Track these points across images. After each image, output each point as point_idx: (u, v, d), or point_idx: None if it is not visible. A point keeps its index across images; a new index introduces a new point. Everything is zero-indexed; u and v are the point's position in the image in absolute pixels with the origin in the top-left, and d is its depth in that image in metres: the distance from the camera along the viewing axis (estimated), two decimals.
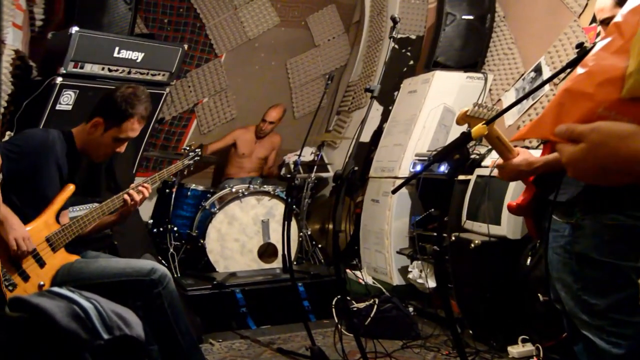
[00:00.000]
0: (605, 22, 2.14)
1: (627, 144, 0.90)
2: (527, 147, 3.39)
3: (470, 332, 3.79)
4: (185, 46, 4.77)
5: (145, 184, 2.91)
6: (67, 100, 4.09)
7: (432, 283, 4.26)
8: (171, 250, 4.95)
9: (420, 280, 4.39)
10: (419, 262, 4.46)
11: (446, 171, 4.28)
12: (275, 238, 5.04)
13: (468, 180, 3.97)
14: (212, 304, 4.08)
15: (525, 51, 4.79)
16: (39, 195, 2.72)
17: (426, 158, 4.62)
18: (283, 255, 3.80)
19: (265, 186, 5.31)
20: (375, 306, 3.99)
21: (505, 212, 3.54)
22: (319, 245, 5.53)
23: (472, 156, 4.14)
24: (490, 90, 5.05)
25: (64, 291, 1.93)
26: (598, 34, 4.00)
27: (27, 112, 3.98)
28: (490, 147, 4.09)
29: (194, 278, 4.37)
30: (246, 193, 5.07)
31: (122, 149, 2.88)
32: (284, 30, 6.50)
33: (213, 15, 6.06)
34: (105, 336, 1.75)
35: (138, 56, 4.37)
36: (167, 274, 2.75)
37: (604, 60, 1.01)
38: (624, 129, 0.91)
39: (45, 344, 1.70)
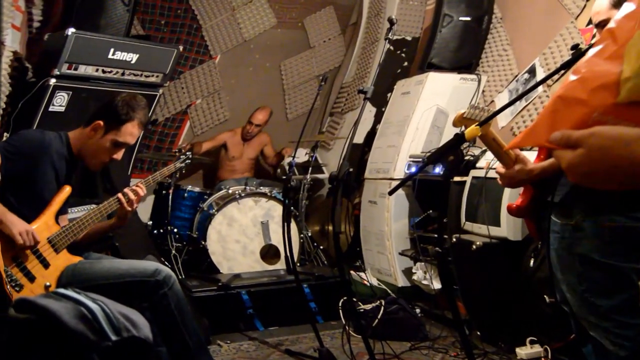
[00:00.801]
0: (601, 25, 2.15)
1: (631, 149, 0.90)
2: (521, 149, 3.40)
3: (478, 333, 3.77)
4: (181, 47, 4.77)
5: (139, 185, 2.92)
6: (60, 102, 4.08)
7: (437, 284, 4.25)
8: (173, 251, 4.94)
9: (425, 282, 4.38)
10: (422, 263, 4.46)
11: (441, 173, 4.28)
12: (276, 239, 5.03)
13: (464, 182, 3.97)
14: (218, 306, 4.08)
15: (520, 52, 4.81)
16: (36, 195, 2.72)
17: (420, 159, 4.63)
18: (286, 256, 3.80)
19: (261, 187, 5.32)
20: (382, 308, 3.99)
21: (504, 213, 3.54)
22: (321, 247, 5.53)
23: (467, 158, 4.15)
24: (483, 91, 5.06)
25: (70, 292, 1.93)
26: (594, 36, 4.02)
27: (22, 113, 3.98)
28: (484, 148, 4.11)
29: (199, 279, 4.36)
30: (243, 194, 5.08)
31: (119, 155, 2.89)
32: (280, 32, 6.50)
33: (210, 17, 6.06)
34: (113, 337, 1.74)
35: (132, 57, 4.36)
36: (171, 275, 2.76)
37: (597, 66, 1.01)
38: (628, 133, 0.91)
39: (52, 345, 1.70)
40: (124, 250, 3.79)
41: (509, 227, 3.56)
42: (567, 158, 0.96)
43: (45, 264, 2.65)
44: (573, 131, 0.96)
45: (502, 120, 4.64)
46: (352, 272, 4.95)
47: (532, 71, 4.58)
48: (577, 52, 2.20)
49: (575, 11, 4.26)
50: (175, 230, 5.20)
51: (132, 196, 2.86)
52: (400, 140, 4.94)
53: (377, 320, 3.92)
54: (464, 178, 4.00)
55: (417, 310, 4.31)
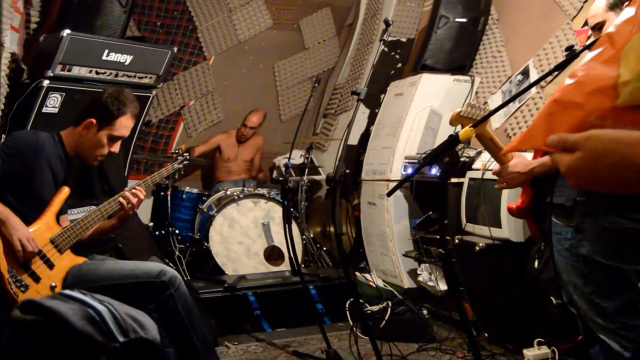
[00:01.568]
0: (597, 27, 2.16)
1: (633, 151, 0.89)
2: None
3: (486, 335, 3.78)
4: (175, 49, 4.76)
5: (138, 187, 2.92)
6: (53, 103, 4.06)
7: (443, 286, 4.26)
8: (177, 253, 4.94)
9: (430, 283, 4.39)
10: (427, 264, 4.47)
11: (437, 174, 4.29)
12: (279, 241, 5.02)
13: (461, 183, 3.99)
14: (225, 307, 4.09)
15: (514, 54, 4.82)
16: (35, 196, 2.72)
17: (416, 161, 4.64)
18: (290, 258, 3.81)
19: (259, 189, 5.33)
20: (389, 309, 4.00)
21: (504, 215, 3.56)
22: (324, 248, 5.54)
23: (462, 159, 4.16)
24: (477, 92, 5.07)
25: (76, 294, 1.92)
26: (589, 38, 4.03)
27: (17, 115, 3.97)
28: (479, 149, 4.12)
29: (204, 281, 4.37)
30: (241, 196, 5.08)
31: (116, 148, 2.88)
32: (276, 33, 6.50)
33: (207, 18, 6.04)
34: (121, 339, 1.74)
35: (127, 59, 4.36)
36: (177, 276, 2.76)
37: (593, 70, 1.01)
38: (629, 135, 0.91)
39: (60, 347, 1.70)
40: (127, 252, 3.79)
41: (510, 228, 3.57)
42: (565, 162, 0.96)
43: (50, 265, 2.65)
44: (570, 134, 0.96)
45: (495, 121, 4.66)
46: (357, 273, 4.96)
47: (525, 72, 4.60)
48: (572, 54, 2.20)
49: (572, 12, 4.27)
50: (177, 231, 5.20)
51: (132, 199, 2.86)
52: (395, 142, 4.95)
53: (384, 322, 3.93)
54: (461, 179, 4.02)
55: (424, 312, 4.32)
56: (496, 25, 5.05)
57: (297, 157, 6.17)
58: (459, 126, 2.20)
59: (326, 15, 6.71)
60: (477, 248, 3.65)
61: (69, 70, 4.08)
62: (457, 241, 3.82)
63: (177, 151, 3.75)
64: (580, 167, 0.94)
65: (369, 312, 4.02)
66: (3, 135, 3.90)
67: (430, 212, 4.46)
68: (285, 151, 6.36)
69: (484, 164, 3.75)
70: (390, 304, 4.06)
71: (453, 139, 2.03)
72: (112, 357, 1.70)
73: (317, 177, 6.31)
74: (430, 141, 4.95)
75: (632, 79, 0.94)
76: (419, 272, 4.57)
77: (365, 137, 5.76)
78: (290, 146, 4.23)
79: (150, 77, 4.62)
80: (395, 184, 3.70)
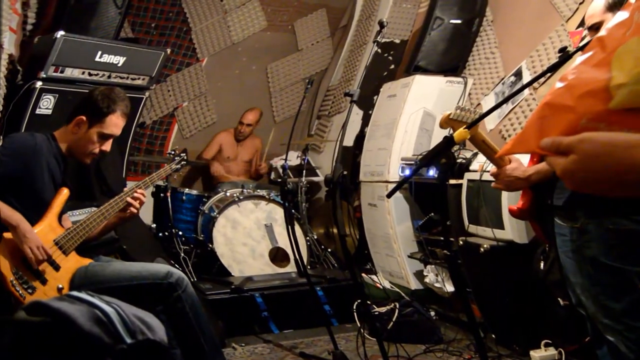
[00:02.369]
0: (594, 27, 2.16)
1: (631, 153, 0.89)
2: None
3: (493, 336, 3.77)
4: (168, 50, 4.76)
5: (139, 190, 2.92)
6: (46, 105, 4.05)
7: (449, 287, 4.26)
8: (182, 254, 4.92)
9: (437, 285, 4.39)
10: (433, 266, 4.47)
11: (435, 175, 4.30)
12: (283, 242, 5.03)
13: (460, 185, 4.00)
14: (232, 308, 4.09)
15: (507, 55, 4.84)
16: (36, 197, 2.72)
17: (413, 162, 4.65)
18: (295, 259, 3.80)
19: (259, 190, 5.33)
20: (397, 310, 4.00)
21: (506, 216, 3.56)
22: (329, 250, 5.53)
23: (459, 160, 4.17)
24: (469, 94, 5.09)
25: (83, 295, 1.92)
26: (583, 38, 4.03)
27: (12, 116, 3.96)
28: (475, 151, 4.13)
29: (211, 282, 4.37)
30: (242, 197, 5.08)
31: (107, 147, 2.88)
32: (269, 35, 6.49)
33: (201, 20, 6.03)
34: (128, 340, 1.73)
35: (119, 60, 4.35)
36: (184, 277, 2.77)
37: (584, 73, 1.00)
38: (626, 138, 0.90)
39: (65, 349, 1.69)
40: (132, 254, 3.79)
41: (513, 230, 3.59)
42: (561, 164, 0.95)
43: (56, 267, 2.65)
44: (563, 137, 0.95)
45: (490, 123, 4.67)
46: (363, 275, 4.96)
47: (518, 74, 4.62)
48: (564, 55, 2.20)
49: (567, 14, 4.28)
50: (181, 233, 5.18)
51: (136, 205, 2.87)
52: (390, 143, 4.96)
53: (392, 323, 3.93)
54: (459, 181, 4.03)
55: (432, 313, 4.31)
56: (490, 27, 5.06)
57: (294, 158, 6.17)
58: (449, 129, 2.21)
59: (321, 17, 6.71)
60: (482, 250, 3.65)
61: (62, 72, 4.07)
62: (461, 243, 3.83)
63: (173, 152, 3.75)
64: (575, 169, 0.93)
65: (376, 313, 4.02)
66: (1, 137, 3.88)
67: (432, 214, 4.47)
68: (280, 152, 6.36)
69: (481, 165, 3.76)
70: (397, 306, 4.06)
71: (448, 141, 2.04)
72: (119, 359, 1.70)
73: (315, 179, 6.31)
74: (425, 142, 4.96)
75: (629, 82, 0.93)
76: (425, 273, 4.58)
77: (360, 138, 5.77)
78: (285, 147, 4.22)
79: (143, 79, 4.61)
80: (393, 185, 3.72)
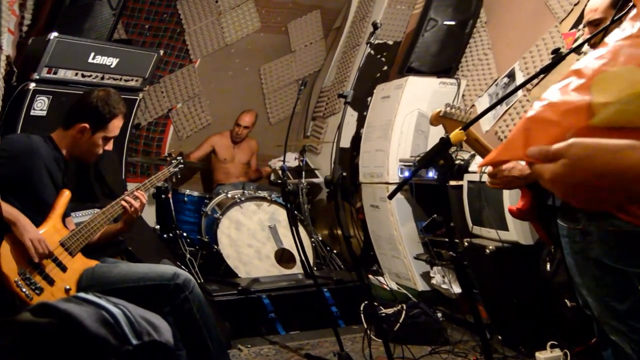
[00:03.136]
0: (594, 23, 2.14)
1: (621, 156, 0.87)
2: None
3: (500, 337, 3.77)
4: (161, 52, 4.75)
5: (139, 191, 2.93)
6: (41, 106, 4.04)
7: (456, 288, 4.25)
8: (188, 255, 4.91)
9: (444, 286, 4.38)
10: (439, 267, 4.47)
11: (435, 177, 4.30)
12: (288, 243, 5.01)
13: (460, 186, 4.01)
14: (239, 310, 4.09)
15: (500, 57, 4.85)
16: (38, 199, 2.71)
17: (411, 164, 4.65)
18: (301, 260, 3.80)
19: (259, 191, 5.33)
20: (404, 312, 4.00)
21: (510, 217, 3.56)
22: (334, 251, 5.53)
23: (457, 162, 4.17)
24: (463, 95, 5.10)
25: (90, 297, 1.91)
26: (576, 40, 4.05)
27: (8, 117, 3.95)
28: (473, 152, 4.14)
29: (218, 284, 4.37)
30: (243, 199, 5.09)
31: (110, 146, 2.95)
32: (263, 36, 6.49)
33: (195, 21, 6.01)
34: (134, 342, 1.72)
35: (113, 62, 4.35)
36: (191, 279, 2.77)
37: (564, 95, 0.99)
38: (615, 142, 0.88)
39: (69, 350, 1.69)
40: (138, 255, 3.78)
41: (518, 231, 3.60)
42: (550, 169, 0.93)
43: (63, 268, 2.64)
44: (551, 145, 0.93)
45: (485, 124, 4.68)
46: (370, 276, 4.95)
47: (511, 75, 4.63)
48: (557, 56, 2.20)
49: (562, 15, 4.29)
50: (185, 234, 5.17)
51: (135, 204, 2.86)
52: (387, 144, 4.97)
53: (398, 325, 3.93)
54: (460, 182, 4.04)
55: (439, 315, 4.29)
56: (484, 28, 5.07)
57: (291, 159, 6.17)
58: (441, 127, 2.21)
59: (315, 18, 6.71)
60: (488, 251, 3.65)
61: (55, 73, 4.06)
62: (466, 244, 3.83)
63: (169, 154, 3.76)
64: (565, 174, 0.91)
65: (383, 314, 4.02)
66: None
67: (435, 215, 4.46)
68: (276, 154, 6.37)
69: (480, 166, 3.76)
70: (405, 307, 4.05)
71: (444, 142, 2.03)
72: None
73: (315, 180, 6.31)
74: (422, 144, 4.97)
75: (617, 101, 0.91)
76: (432, 274, 4.57)
77: (356, 139, 5.78)
78: (282, 149, 4.21)
79: (136, 80, 4.61)
80: (394, 186, 3.71)
